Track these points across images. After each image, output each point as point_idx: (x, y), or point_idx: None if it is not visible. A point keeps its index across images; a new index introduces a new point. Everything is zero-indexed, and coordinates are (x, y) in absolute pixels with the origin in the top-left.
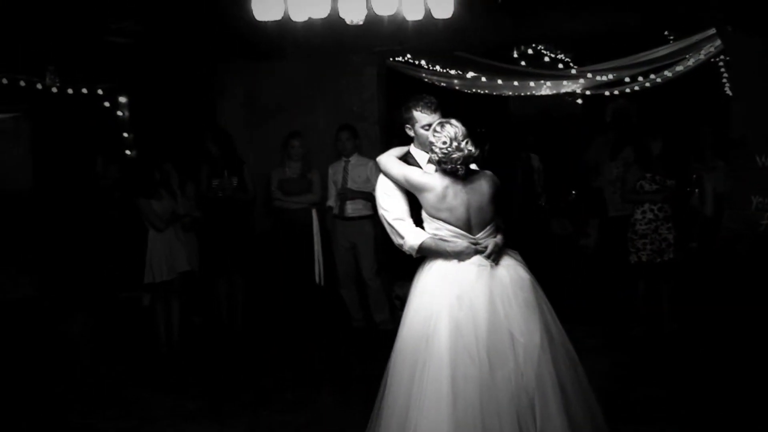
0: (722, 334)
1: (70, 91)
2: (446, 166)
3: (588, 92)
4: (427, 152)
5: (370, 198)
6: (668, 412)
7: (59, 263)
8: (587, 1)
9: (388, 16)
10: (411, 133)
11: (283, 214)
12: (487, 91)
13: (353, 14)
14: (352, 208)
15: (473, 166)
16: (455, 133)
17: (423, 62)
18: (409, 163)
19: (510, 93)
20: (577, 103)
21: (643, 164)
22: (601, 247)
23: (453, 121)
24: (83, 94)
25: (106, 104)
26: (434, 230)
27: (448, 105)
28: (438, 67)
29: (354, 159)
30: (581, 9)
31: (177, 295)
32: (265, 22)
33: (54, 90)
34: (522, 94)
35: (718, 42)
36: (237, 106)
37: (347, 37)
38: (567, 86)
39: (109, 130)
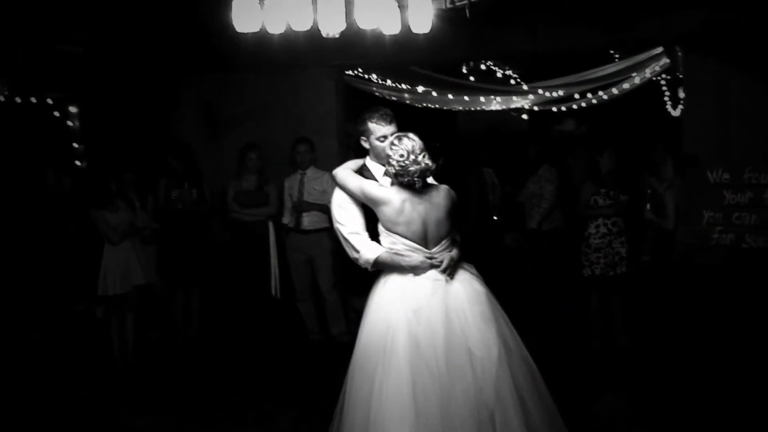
0: (676, 346)
1: (18, 100)
2: (403, 179)
3: (536, 108)
4: (383, 164)
5: (326, 210)
6: (630, 421)
7: (10, 276)
8: (555, 20)
9: (369, 30)
10: (366, 145)
11: (239, 227)
12: (437, 106)
13: (331, 27)
14: (309, 220)
15: (430, 180)
16: (412, 147)
17: (374, 76)
18: (364, 176)
19: (460, 108)
20: (523, 119)
21: (596, 180)
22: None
23: (410, 134)
24: (32, 103)
25: (56, 114)
26: (390, 244)
27: (398, 119)
28: (389, 81)
29: (310, 172)
30: (545, 27)
31: (132, 309)
32: (245, 34)
33: (1, 99)
34: (472, 108)
35: (663, 61)
36: (194, 119)
37: (306, 50)
38: (516, 102)
39: (60, 141)
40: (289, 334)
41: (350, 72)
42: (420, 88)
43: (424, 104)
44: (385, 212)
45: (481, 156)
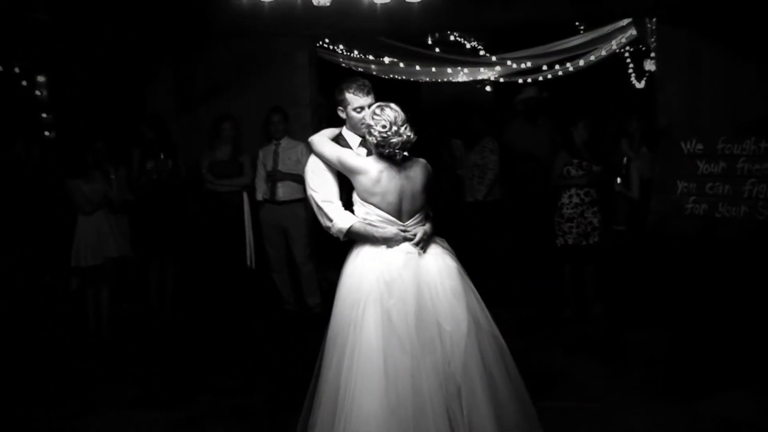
0: (650, 315)
1: None
2: (384, 150)
3: (502, 79)
4: (359, 135)
5: (300, 180)
6: (606, 388)
7: None
8: None
9: None
10: (343, 116)
11: (214, 198)
12: (404, 77)
13: None
14: (283, 191)
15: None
16: (395, 118)
17: (340, 47)
18: (340, 146)
19: (426, 79)
20: (487, 91)
21: (570, 150)
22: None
23: (392, 105)
24: None
25: (24, 83)
26: (364, 214)
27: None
28: (356, 52)
29: (285, 142)
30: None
31: (106, 281)
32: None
33: None
34: (439, 80)
35: (629, 33)
36: (166, 90)
37: (282, 19)
38: (484, 73)
39: (28, 111)
40: (264, 305)
41: (319, 43)
42: (386, 59)
43: (391, 75)
44: (361, 182)
45: (451, 127)
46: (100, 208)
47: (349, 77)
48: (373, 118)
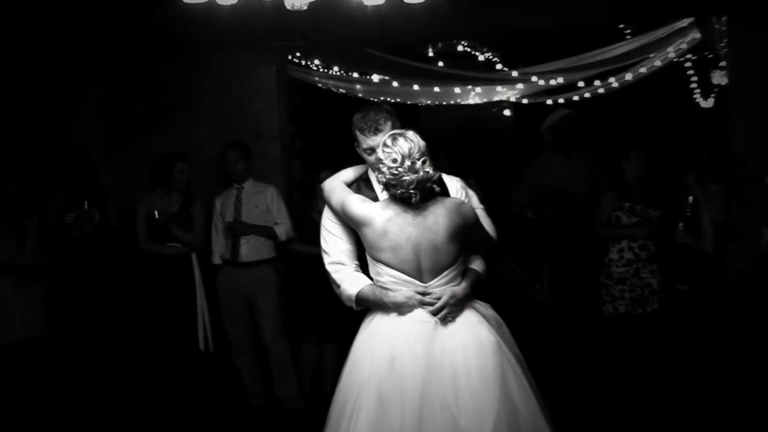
0: (729, 400)
1: None
2: (395, 190)
3: (526, 100)
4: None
5: (269, 234)
6: None
7: None
8: None
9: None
10: (360, 155)
11: (153, 262)
12: (398, 100)
13: None
14: (248, 249)
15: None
16: (409, 150)
17: (316, 62)
18: (360, 191)
19: (428, 102)
20: (506, 116)
21: (619, 190)
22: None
23: (409, 133)
24: None
25: None
26: (375, 275)
27: (335, 115)
28: (335, 69)
29: (249, 185)
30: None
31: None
32: (193, 5)
33: None
34: (443, 102)
35: (691, 36)
36: (94, 120)
37: (243, 28)
38: (501, 93)
39: None
40: (224, 399)
41: (288, 57)
42: (375, 77)
43: (381, 98)
44: (366, 235)
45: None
46: (3, 275)
47: (364, 107)
48: (383, 151)
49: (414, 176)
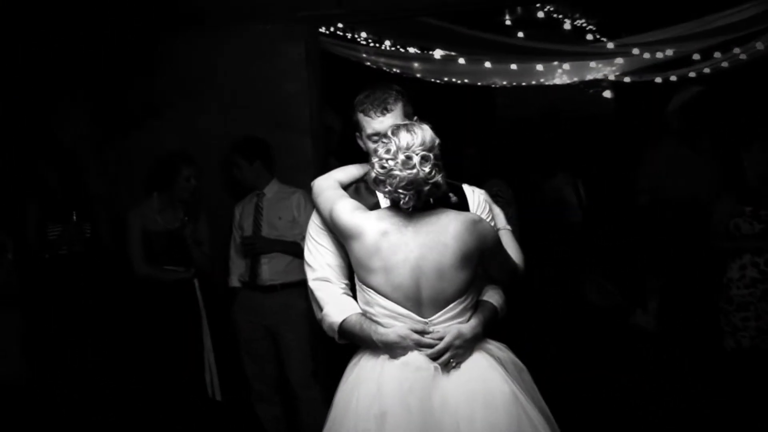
0: None
1: None
2: (384, 188)
3: (628, 78)
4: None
5: (296, 251)
6: None
7: None
8: None
9: None
10: (363, 147)
11: (153, 289)
12: (466, 81)
13: None
14: (270, 269)
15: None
16: (408, 143)
17: (362, 36)
18: (358, 194)
19: (504, 83)
20: (606, 98)
21: (739, 191)
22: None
23: (419, 126)
24: None
25: None
26: (364, 304)
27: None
28: (387, 44)
29: (271, 190)
30: None
31: None
32: None
33: None
34: (523, 83)
35: None
36: (80, 111)
37: None
38: (596, 70)
39: None
40: None
41: (325, 29)
42: (438, 54)
43: (445, 79)
44: (354, 251)
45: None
46: None
47: (369, 86)
48: (381, 142)
49: (407, 173)
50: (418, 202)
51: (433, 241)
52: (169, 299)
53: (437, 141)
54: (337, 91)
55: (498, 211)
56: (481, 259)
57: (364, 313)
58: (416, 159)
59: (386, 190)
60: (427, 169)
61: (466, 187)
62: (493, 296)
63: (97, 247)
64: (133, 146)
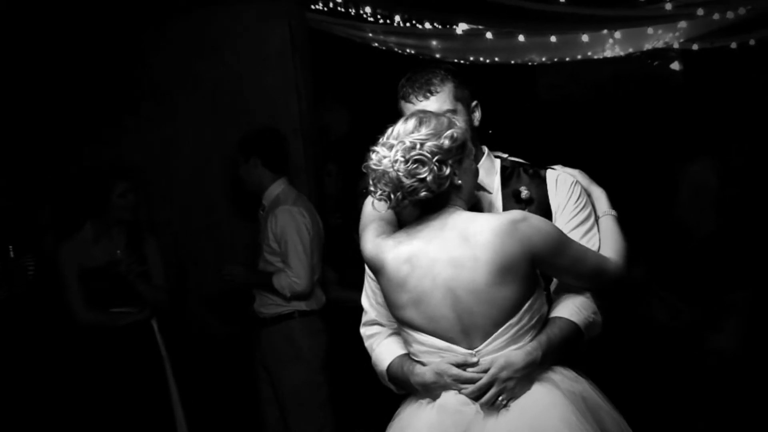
0: None
1: None
2: (375, 192)
3: (695, 46)
4: None
5: (267, 284)
6: None
7: None
8: None
9: None
10: None
11: (100, 339)
12: (497, 59)
13: None
14: (260, 297)
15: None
16: (406, 131)
17: (368, 10)
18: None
19: (543, 59)
20: (674, 70)
21: None
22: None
23: (448, 121)
24: None
25: None
26: (406, 343)
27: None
28: (398, 19)
29: (269, 197)
30: None
31: None
32: None
33: None
34: (567, 58)
35: None
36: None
37: None
38: (655, 37)
39: None
40: None
41: (322, 5)
42: (460, 28)
43: (471, 58)
44: (382, 287)
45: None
46: None
47: (417, 67)
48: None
49: (384, 167)
50: (395, 200)
51: (463, 256)
52: (121, 348)
53: (459, 143)
54: (340, 81)
55: (599, 194)
56: (537, 267)
57: (403, 355)
58: (399, 153)
59: (377, 194)
60: (416, 169)
61: (550, 174)
62: (568, 308)
63: (43, 288)
64: (90, 161)
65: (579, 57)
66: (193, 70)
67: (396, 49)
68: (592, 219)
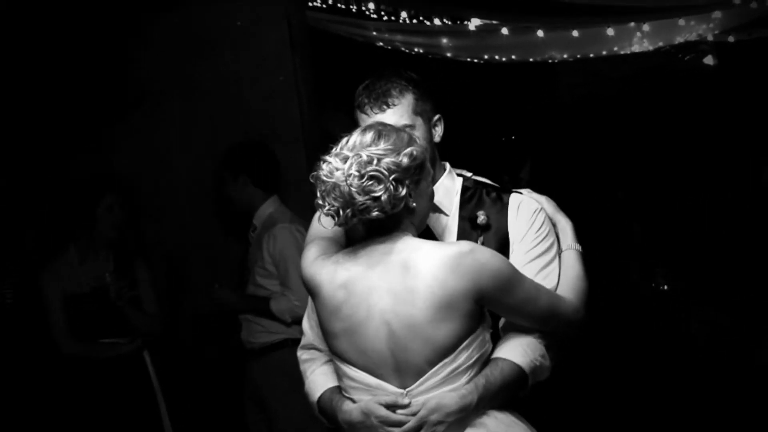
0: None
1: None
2: (321, 203)
3: (732, 38)
4: None
5: (263, 310)
6: None
7: None
8: None
9: None
10: None
11: (88, 371)
12: (514, 57)
13: None
14: (249, 326)
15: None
16: (356, 143)
17: (370, 6)
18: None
19: (564, 56)
20: (707, 65)
21: None
22: None
23: (408, 137)
24: None
25: None
26: (338, 376)
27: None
28: (405, 16)
29: (260, 217)
30: None
31: None
32: None
33: None
34: (591, 55)
35: None
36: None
37: None
38: (687, 29)
39: None
40: None
41: (320, 2)
42: (472, 23)
43: (486, 57)
44: (317, 312)
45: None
46: None
47: (373, 74)
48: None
49: (336, 179)
50: (344, 218)
51: (402, 287)
52: (110, 382)
53: (418, 163)
54: (343, 84)
55: (565, 225)
56: (483, 304)
57: (334, 389)
58: (354, 168)
59: (317, 203)
60: (369, 185)
61: (513, 198)
62: (514, 349)
63: (23, 317)
64: (76, 174)
65: (604, 53)
66: (185, 72)
67: (403, 49)
68: (554, 252)
